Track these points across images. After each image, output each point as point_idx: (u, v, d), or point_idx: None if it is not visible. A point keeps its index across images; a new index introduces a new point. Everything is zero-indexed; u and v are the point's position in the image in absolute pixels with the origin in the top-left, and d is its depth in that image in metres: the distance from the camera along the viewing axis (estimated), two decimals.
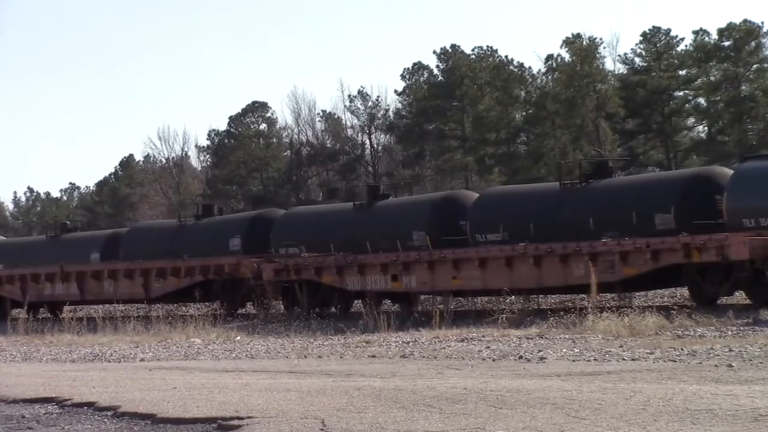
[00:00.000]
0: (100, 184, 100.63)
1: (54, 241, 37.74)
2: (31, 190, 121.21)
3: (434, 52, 72.07)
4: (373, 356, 16.22)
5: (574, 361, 13.77)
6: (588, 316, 18.79)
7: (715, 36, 64.47)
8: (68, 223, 42.82)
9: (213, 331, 23.08)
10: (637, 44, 67.78)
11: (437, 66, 71.88)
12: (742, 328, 17.46)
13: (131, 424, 9.84)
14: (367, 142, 76.78)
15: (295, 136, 79.88)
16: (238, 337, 22.31)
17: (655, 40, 66.80)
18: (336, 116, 79.24)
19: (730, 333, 16.86)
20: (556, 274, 23.14)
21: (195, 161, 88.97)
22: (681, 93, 67.34)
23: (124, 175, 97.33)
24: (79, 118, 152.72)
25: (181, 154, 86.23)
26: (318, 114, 79.48)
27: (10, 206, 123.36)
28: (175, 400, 10.84)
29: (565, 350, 15.19)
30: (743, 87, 63.65)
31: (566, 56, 64.50)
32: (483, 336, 18.32)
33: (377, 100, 75.78)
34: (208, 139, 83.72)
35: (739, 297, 22.68)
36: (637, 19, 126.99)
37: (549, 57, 66.42)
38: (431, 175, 72.69)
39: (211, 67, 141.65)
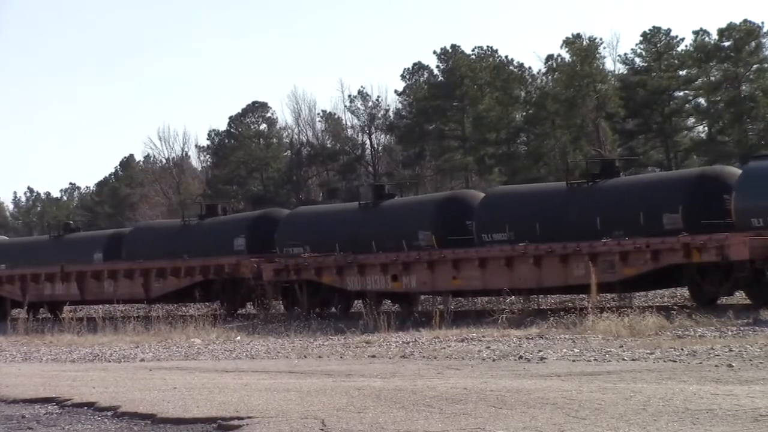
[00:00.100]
0: (100, 184, 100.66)
1: (57, 241, 37.69)
2: (31, 190, 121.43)
3: (434, 52, 72.20)
4: (373, 356, 16.22)
5: (574, 361, 13.76)
6: (588, 316, 18.79)
7: (715, 36, 64.53)
8: (71, 223, 42.70)
9: (213, 331, 23.08)
10: (637, 44, 67.86)
11: (437, 66, 71.96)
12: (742, 328, 17.46)
13: (131, 424, 9.84)
14: (367, 142, 76.80)
15: (295, 136, 79.96)
16: (238, 337, 22.30)
17: (655, 40, 66.78)
18: (336, 116, 79.33)
19: (730, 333, 16.86)
20: (556, 274, 23.13)
21: (195, 161, 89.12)
22: (681, 93, 67.32)
23: (124, 175, 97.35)
24: (79, 118, 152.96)
25: (181, 154, 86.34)
26: (318, 114, 79.60)
27: (10, 206, 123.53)
28: (175, 400, 10.84)
29: (565, 350, 15.19)
30: (743, 87, 63.63)
31: (566, 56, 64.52)
32: (483, 336, 18.32)
33: (377, 100, 75.88)
34: (208, 139, 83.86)
35: (739, 297, 22.68)
36: (637, 19, 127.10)
37: (549, 57, 66.44)
38: (431, 175, 72.69)
39: (211, 67, 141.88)
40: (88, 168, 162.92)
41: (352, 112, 76.58)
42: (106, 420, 10.27)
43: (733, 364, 12.24)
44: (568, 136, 62.38)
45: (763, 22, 63.43)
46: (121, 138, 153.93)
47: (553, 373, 12.17)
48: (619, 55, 68.74)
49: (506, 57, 71.42)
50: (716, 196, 22.36)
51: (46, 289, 34.33)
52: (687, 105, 67.56)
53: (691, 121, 69.31)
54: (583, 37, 64.33)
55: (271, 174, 78.21)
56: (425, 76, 72.56)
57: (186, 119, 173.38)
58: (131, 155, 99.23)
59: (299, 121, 79.62)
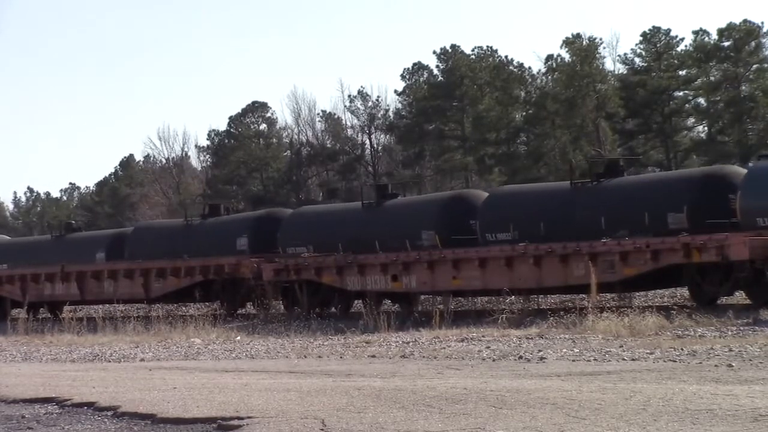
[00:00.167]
0: (100, 184, 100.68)
1: (59, 241, 37.62)
2: (31, 190, 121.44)
3: (434, 52, 72.26)
4: (373, 356, 16.22)
5: (574, 361, 13.76)
6: (588, 316, 18.78)
7: (715, 36, 64.60)
8: (73, 222, 42.62)
9: (213, 331, 23.08)
10: (637, 44, 67.94)
11: (437, 66, 72.00)
12: (742, 328, 17.45)
13: (131, 424, 9.84)
14: (367, 142, 76.83)
15: (295, 136, 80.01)
16: (238, 337, 22.30)
17: (655, 40, 66.81)
18: (336, 116, 79.39)
19: (730, 333, 16.85)
20: (556, 274, 23.11)
21: (195, 161, 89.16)
22: (681, 93, 67.38)
23: (124, 175, 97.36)
24: (79, 118, 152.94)
25: (181, 154, 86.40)
26: (318, 114, 79.65)
27: (10, 206, 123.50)
28: (175, 400, 10.84)
29: (565, 350, 15.19)
30: (743, 87, 63.67)
31: (566, 56, 64.58)
32: (483, 336, 18.32)
33: (377, 100, 75.93)
34: (208, 139, 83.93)
35: (739, 297, 22.67)
36: (637, 19, 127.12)
37: (549, 57, 66.51)
38: (431, 175, 72.72)
39: (211, 67, 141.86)
40: (88, 168, 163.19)
41: (352, 112, 76.72)
42: (105, 420, 10.27)
43: (733, 364, 12.24)
44: (568, 136, 62.41)
45: (763, 22, 63.62)
46: (121, 138, 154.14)
47: (553, 373, 12.16)
48: (619, 55, 68.94)
49: (506, 57, 71.60)
50: (721, 196, 22.28)
51: (46, 289, 34.31)
52: (687, 105, 67.61)
53: (691, 121, 69.35)
54: (583, 37, 64.47)
55: (270, 174, 78.24)
56: (425, 76, 72.60)
57: (186, 119, 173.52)
58: (131, 155, 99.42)
59: (299, 121, 79.76)
